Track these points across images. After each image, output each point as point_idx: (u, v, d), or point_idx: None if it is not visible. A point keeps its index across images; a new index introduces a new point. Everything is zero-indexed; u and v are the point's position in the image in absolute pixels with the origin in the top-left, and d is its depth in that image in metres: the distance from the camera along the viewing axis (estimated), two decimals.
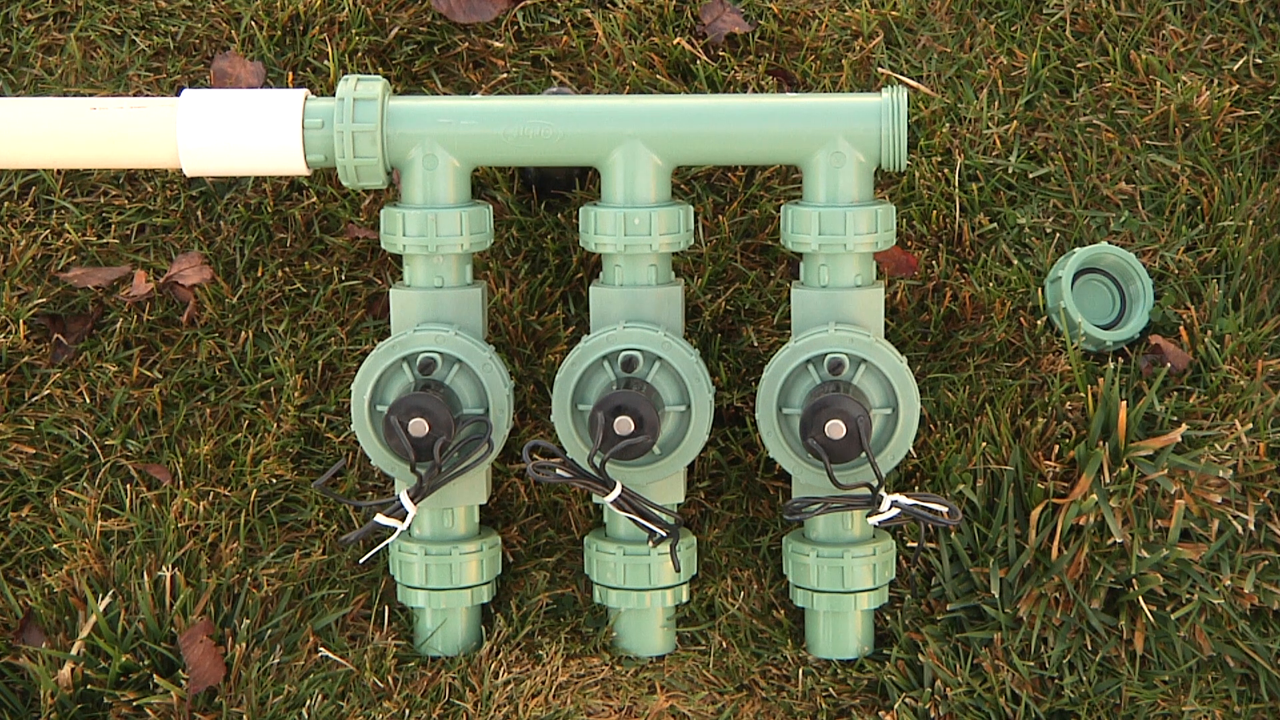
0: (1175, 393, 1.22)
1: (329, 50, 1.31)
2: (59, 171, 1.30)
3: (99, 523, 1.21)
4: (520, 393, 1.23)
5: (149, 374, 1.26)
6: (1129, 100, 1.31)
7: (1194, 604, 1.17)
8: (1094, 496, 1.16)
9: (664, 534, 1.10)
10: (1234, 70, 1.32)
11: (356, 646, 1.18)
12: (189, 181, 1.30)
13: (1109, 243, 1.26)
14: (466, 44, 1.34)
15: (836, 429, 1.07)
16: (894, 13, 1.34)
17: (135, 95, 1.32)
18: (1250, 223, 1.27)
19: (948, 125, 1.30)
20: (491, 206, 1.18)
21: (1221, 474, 1.18)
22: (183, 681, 1.14)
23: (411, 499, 1.08)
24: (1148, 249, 1.28)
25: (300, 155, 1.13)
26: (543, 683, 1.17)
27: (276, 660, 1.16)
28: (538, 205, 1.29)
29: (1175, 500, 1.17)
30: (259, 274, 1.28)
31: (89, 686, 1.14)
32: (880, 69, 1.32)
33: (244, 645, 1.16)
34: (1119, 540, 1.16)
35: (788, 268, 1.27)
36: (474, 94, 1.32)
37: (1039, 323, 1.24)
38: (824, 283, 1.14)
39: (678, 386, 1.12)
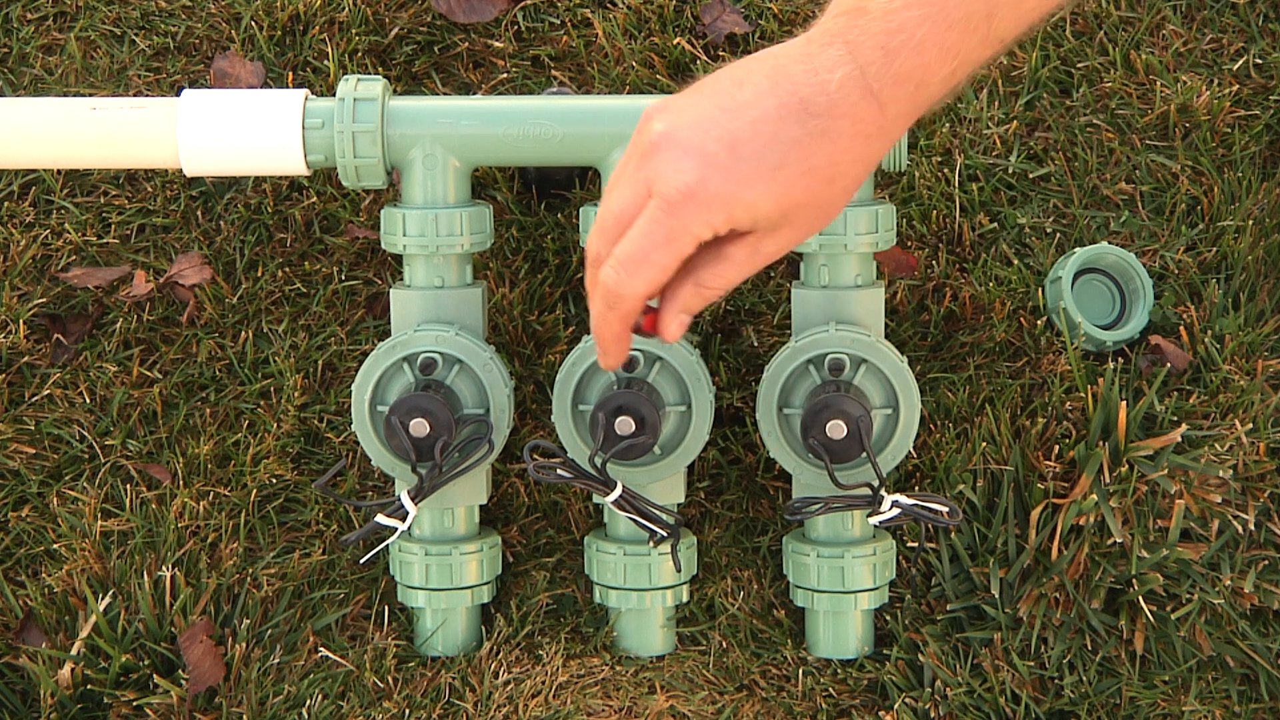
0: (1175, 393, 1.22)
1: (329, 50, 1.31)
2: (59, 171, 1.30)
3: (99, 523, 1.21)
4: (520, 393, 1.23)
5: (149, 374, 1.26)
6: (1129, 100, 1.31)
7: (1194, 604, 1.17)
8: (1094, 496, 1.16)
9: (665, 534, 1.10)
10: (1234, 70, 1.32)
11: (356, 646, 1.18)
12: (189, 181, 1.30)
13: (1109, 243, 1.26)
14: (466, 44, 1.34)
15: (837, 429, 1.07)
16: None
17: (135, 95, 1.32)
18: (1250, 223, 1.27)
19: (948, 125, 1.30)
20: (491, 206, 1.18)
21: (1221, 474, 1.18)
22: (183, 681, 1.14)
23: (412, 499, 1.08)
24: (1148, 249, 1.28)
25: (300, 155, 1.13)
26: (543, 683, 1.17)
27: (276, 660, 1.16)
28: (538, 205, 1.29)
29: (1175, 500, 1.17)
30: (259, 274, 1.28)
31: (89, 686, 1.14)
32: None
33: (244, 645, 1.16)
34: (1119, 540, 1.16)
35: (787, 268, 1.27)
36: (474, 94, 1.32)
37: (1039, 323, 1.24)
38: (824, 283, 1.14)
39: (678, 386, 1.12)
